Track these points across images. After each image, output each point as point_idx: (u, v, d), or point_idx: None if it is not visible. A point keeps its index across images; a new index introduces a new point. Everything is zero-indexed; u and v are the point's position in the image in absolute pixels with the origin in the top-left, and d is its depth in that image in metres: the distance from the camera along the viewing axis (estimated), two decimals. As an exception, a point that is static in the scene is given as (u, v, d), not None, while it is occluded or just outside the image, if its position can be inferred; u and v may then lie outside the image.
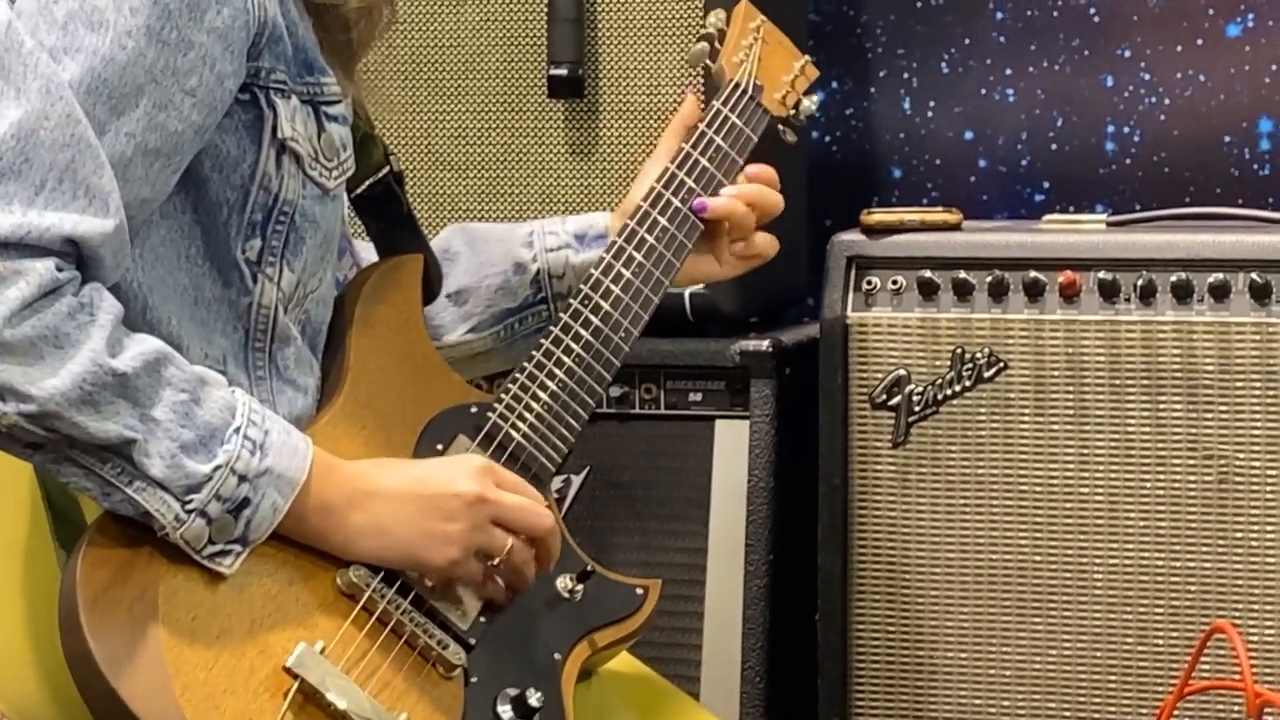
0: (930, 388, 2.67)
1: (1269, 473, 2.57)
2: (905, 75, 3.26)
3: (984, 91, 3.23)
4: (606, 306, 2.11)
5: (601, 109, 2.81)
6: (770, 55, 2.34)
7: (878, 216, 2.73)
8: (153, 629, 1.75)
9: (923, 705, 2.70)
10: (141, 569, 1.77)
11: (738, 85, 2.28)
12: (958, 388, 2.66)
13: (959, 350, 2.66)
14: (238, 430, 1.80)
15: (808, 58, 2.39)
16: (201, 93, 1.81)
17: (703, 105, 2.28)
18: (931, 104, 3.25)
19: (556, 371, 2.06)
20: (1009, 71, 3.21)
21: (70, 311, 1.72)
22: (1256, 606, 2.57)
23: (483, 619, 1.93)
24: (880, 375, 2.69)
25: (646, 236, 2.16)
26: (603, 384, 2.08)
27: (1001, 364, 2.65)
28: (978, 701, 2.68)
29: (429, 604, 1.90)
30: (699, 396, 2.78)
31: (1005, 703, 2.66)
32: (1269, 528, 2.57)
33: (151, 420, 1.76)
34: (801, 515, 2.75)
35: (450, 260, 2.25)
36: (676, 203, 2.18)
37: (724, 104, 2.26)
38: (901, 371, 2.68)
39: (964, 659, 2.68)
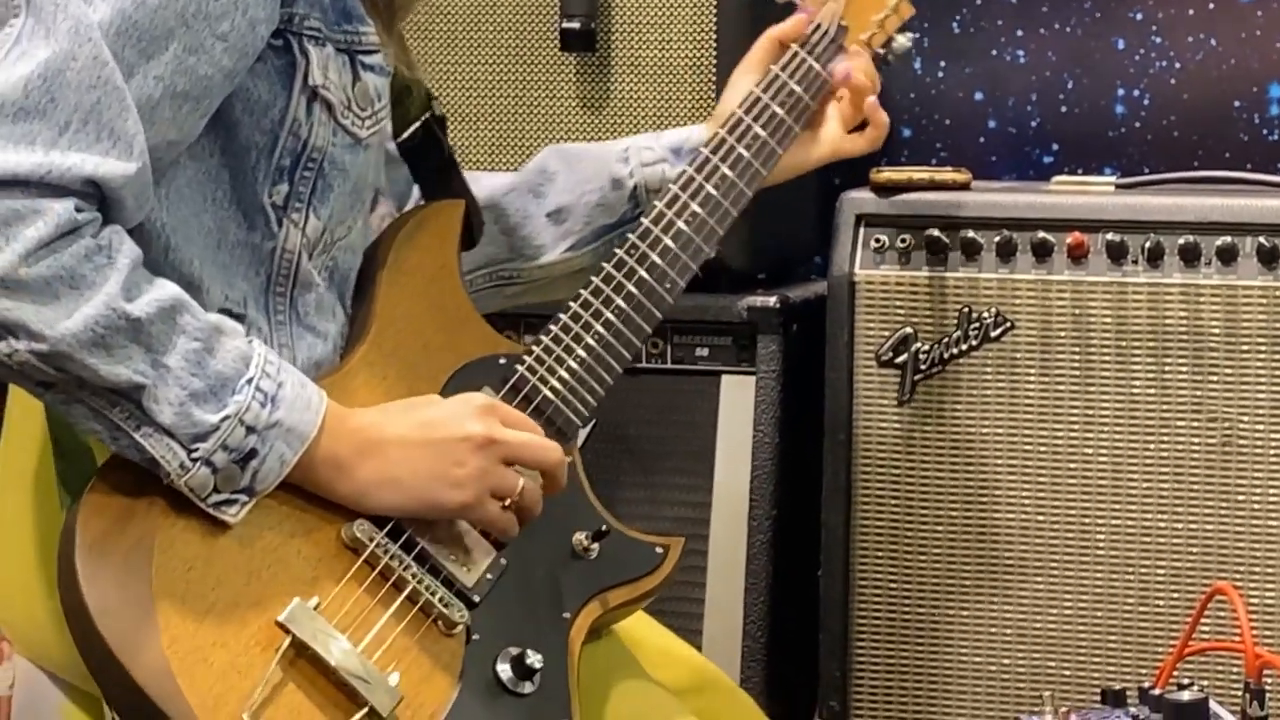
0: (936, 346, 2.67)
1: (1273, 436, 2.57)
2: (917, 35, 3.16)
3: (994, 52, 3.21)
4: (654, 256, 2.11)
5: (613, 63, 2.80)
6: None
7: (887, 175, 2.73)
8: (145, 578, 1.74)
9: (923, 662, 2.70)
10: (141, 517, 1.77)
11: (819, 27, 2.27)
12: (964, 347, 2.67)
13: (966, 309, 2.67)
14: (250, 381, 1.79)
15: None
16: (233, 37, 1.81)
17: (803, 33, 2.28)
18: (942, 64, 3.24)
19: (594, 323, 2.06)
20: (1020, 33, 3.20)
21: (88, 253, 1.72)
22: (1258, 569, 2.58)
23: (489, 575, 1.92)
24: (887, 333, 2.69)
25: (719, 168, 2.17)
26: (642, 335, 2.08)
27: (1008, 324, 2.65)
28: (978, 659, 2.68)
29: (434, 560, 1.89)
30: (705, 352, 2.78)
31: (1006, 661, 2.67)
32: (1272, 491, 2.58)
33: (163, 367, 1.76)
34: (806, 471, 2.76)
35: (548, 179, 2.26)
36: (742, 150, 2.19)
37: (803, 46, 2.25)
38: (908, 329, 2.68)
39: (965, 617, 2.68)
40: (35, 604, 1.90)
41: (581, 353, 2.04)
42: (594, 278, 2.08)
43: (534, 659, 1.89)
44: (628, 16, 2.79)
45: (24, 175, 1.69)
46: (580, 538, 2.01)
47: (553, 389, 2.02)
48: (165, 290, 1.77)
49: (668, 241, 2.13)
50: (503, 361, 2.02)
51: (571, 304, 2.06)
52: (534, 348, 2.03)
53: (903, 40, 2.39)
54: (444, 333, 2.01)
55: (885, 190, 2.72)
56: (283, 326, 1.93)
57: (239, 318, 1.88)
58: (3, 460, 1.96)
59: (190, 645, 1.73)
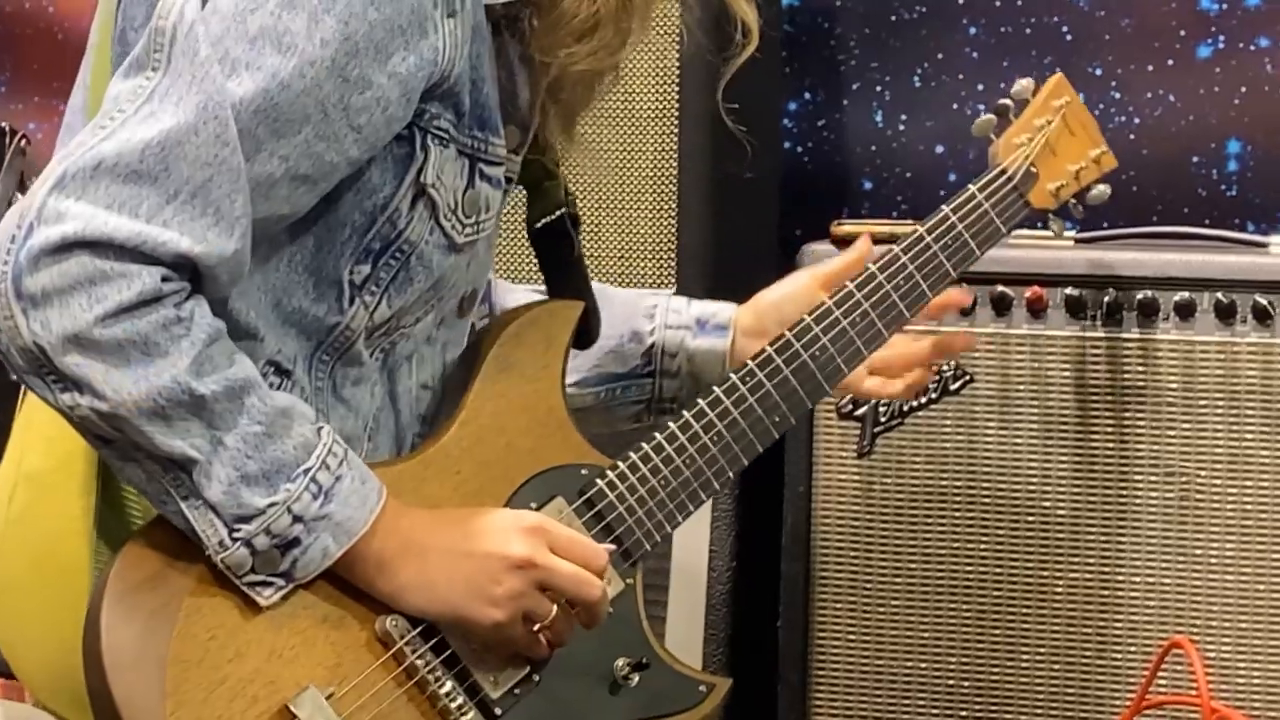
0: (896, 399, 2.64)
1: (1229, 491, 2.58)
2: (878, 88, 3.26)
3: (955, 106, 3.23)
4: (769, 386, 2.06)
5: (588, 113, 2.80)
6: (1062, 140, 2.26)
7: (847, 228, 2.73)
8: (165, 639, 1.74)
9: (882, 713, 2.71)
10: (176, 578, 1.76)
11: (1004, 171, 2.21)
12: (923, 400, 2.66)
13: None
14: (307, 471, 1.78)
15: (1106, 148, 2.31)
16: (367, 131, 1.80)
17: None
18: (903, 117, 3.25)
19: (688, 447, 2.01)
20: (981, 87, 3.22)
21: (166, 323, 1.72)
22: (1214, 623, 2.59)
23: (516, 690, 1.89)
24: None
25: (839, 316, 2.10)
26: (721, 479, 2.03)
27: (967, 377, 2.65)
28: (936, 711, 2.68)
29: (462, 665, 1.87)
30: None
31: (964, 713, 2.68)
32: (1228, 545, 2.59)
33: (220, 444, 1.75)
34: (765, 523, 2.75)
35: None
36: (889, 287, 2.12)
37: (981, 189, 2.19)
38: None
39: (924, 669, 2.69)
40: (52, 647, 1.88)
41: (668, 475, 2.00)
42: (701, 399, 2.03)
43: None
44: None
45: (120, 240, 1.69)
46: (621, 664, 1.96)
47: (628, 508, 1.98)
48: (238, 370, 1.77)
49: (786, 370, 2.07)
50: (584, 472, 1.97)
51: (670, 424, 2.01)
52: (620, 464, 1.98)
53: (1101, 190, 2.30)
54: (530, 435, 1.96)
55: (845, 243, 2.66)
56: (320, 394, 1.91)
57: (286, 373, 1.88)
58: (38, 493, 1.94)
59: (194, 714, 1.73)
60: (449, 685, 1.84)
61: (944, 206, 2.15)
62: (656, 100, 2.80)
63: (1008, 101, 2.25)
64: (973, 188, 2.18)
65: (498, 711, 1.87)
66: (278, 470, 1.77)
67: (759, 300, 2.23)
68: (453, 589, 1.84)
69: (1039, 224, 3.07)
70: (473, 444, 1.92)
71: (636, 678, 1.95)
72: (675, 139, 2.78)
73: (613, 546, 1.94)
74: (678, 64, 2.78)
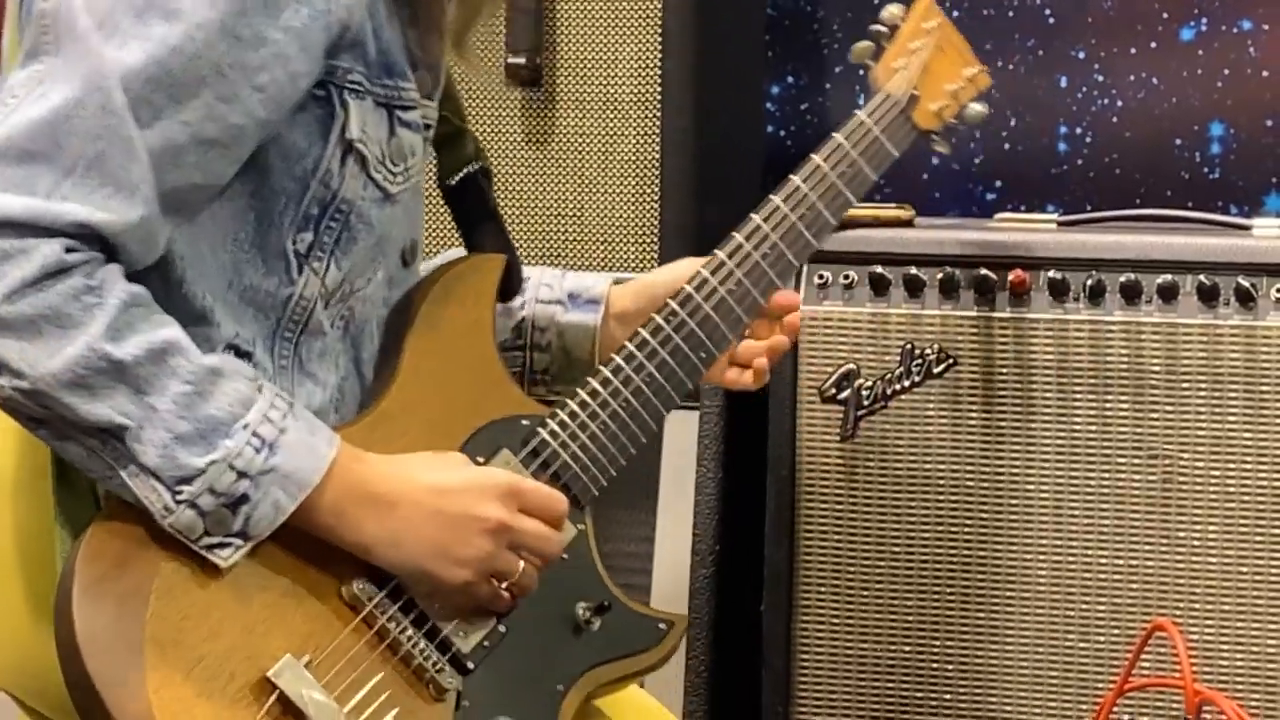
0: (879, 382, 2.68)
1: (1212, 473, 2.58)
2: (861, 71, 3.16)
3: None
4: (684, 333, 2.08)
5: (558, 99, 2.82)
6: (938, 62, 2.30)
7: None
8: (139, 623, 1.74)
9: (866, 697, 2.70)
10: (142, 562, 1.77)
11: (888, 95, 2.25)
12: (906, 383, 2.67)
13: (909, 346, 2.67)
14: (246, 426, 1.79)
15: (982, 67, 2.34)
16: (271, 89, 1.81)
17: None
18: None
19: (623, 390, 2.03)
20: None
21: (75, 293, 1.73)
22: (1197, 605, 2.58)
23: (486, 643, 1.92)
24: (830, 369, 2.69)
25: (749, 249, 2.13)
26: (659, 419, 2.05)
27: (950, 360, 2.66)
28: (920, 694, 2.68)
29: (432, 623, 1.89)
30: None
31: (947, 696, 2.67)
32: (1211, 528, 2.58)
33: (150, 408, 1.76)
34: (749, 507, 2.75)
35: None
36: (792, 216, 2.15)
37: (869, 114, 2.23)
38: (851, 366, 2.69)
39: (908, 653, 2.68)
40: (22, 635, 1.89)
41: (606, 419, 2.02)
42: (628, 343, 2.06)
43: None
44: (573, 52, 2.81)
45: (15, 217, 1.71)
46: (583, 608, 1.99)
47: (572, 455, 2.01)
48: (161, 333, 1.77)
49: (708, 309, 2.10)
50: (525, 423, 2.00)
51: (602, 368, 2.04)
52: (559, 411, 2.01)
53: (977, 109, 2.33)
54: (469, 390, 1.98)
55: None
56: (285, 372, 1.92)
57: (246, 355, 1.88)
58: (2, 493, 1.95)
59: (175, 695, 1.74)
60: (421, 644, 1.87)
61: (835, 135, 2.19)
62: (638, 85, 2.81)
63: (881, 27, 2.29)
64: (860, 114, 2.23)
65: (470, 665, 1.90)
66: (213, 428, 1.77)
67: (639, 278, 2.24)
68: (420, 547, 1.85)
69: (1017, 208, 3.11)
70: (414, 404, 1.94)
71: (598, 620, 1.99)
72: (658, 123, 2.80)
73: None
74: (659, 47, 2.79)
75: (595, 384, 2.03)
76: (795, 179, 2.16)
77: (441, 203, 2.14)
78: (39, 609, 1.86)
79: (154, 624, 1.74)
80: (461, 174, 2.12)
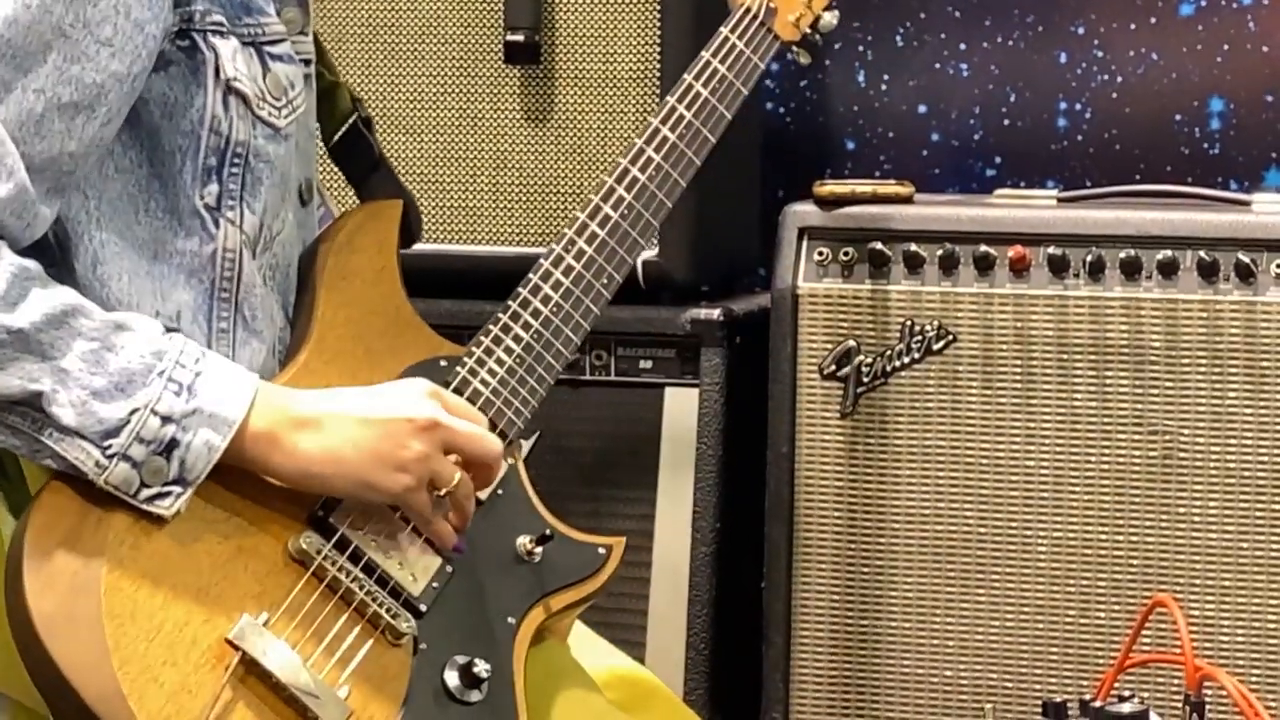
0: (879, 359, 2.68)
1: (1212, 449, 2.59)
2: (860, 48, 3.25)
3: (938, 65, 3.23)
4: (590, 251, 2.10)
5: (557, 75, 2.81)
6: None
7: (830, 188, 2.73)
8: (95, 598, 1.74)
9: (866, 674, 2.71)
10: (89, 537, 1.77)
11: (748, 10, 2.27)
12: (906, 359, 2.67)
13: (908, 322, 2.67)
14: (161, 374, 1.79)
15: None
16: (119, 41, 1.81)
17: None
18: (885, 77, 3.25)
19: (532, 321, 2.05)
20: (963, 46, 3.22)
21: None
22: (1198, 581, 2.59)
23: (435, 584, 1.93)
24: (830, 346, 2.70)
25: (635, 173, 2.15)
26: (573, 344, 2.07)
27: (950, 337, 2.66)
28: (921, 671, 2.68)
29: (381, 570, 1.89)
30: (649, 364, 2.80)
31: (948, 673, 2.68)
32: (1211, 503, 2.59)
33: (61, 371, 1.76)
34: (749, 484, 2.76)
35: None
36: (672, 137, 2.17)
37: (731, 30, 2.25)
38: (851, 342, 2.69)
39: (908, 629, 2.69)
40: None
41: (521, 352, 2.04)
42: (532, 274, 2.08)
43: (481, 667, 1.90)
44: (572, 29, 2.81)
45: None
46: (524, 541, 2.01)
47: (493, 390, 2.02)
48: (56, 297, 1.77)
49: (601, 233, 2.11)
50: (443, 364, 2.02)
51: (510, 303, 2.06)
52: (473, 349, 2.03)
53: (829, 18, 2.37)
54: (385, 336, 2.00)
55: (828, 203, 2.73)
56: (225, 334, 1.92)
57: (173, 331, 1.88)
58: None
59: (140, 666, 1.73)
60: (373, 591, 1.88)
61: (703, 53, 2.22)
62: (637, 64, 2.80)
63: None
64: (724, 30, 2.25)
65: (422, 608, 1.91)
66: (129, 380, 1.78)
67: None
68: (359, 457, 1.85)
69: (1017, 184, 3.10)
70: (334, 356, 1.96)
71: (540, 551, 2.00)
72: (657, 100, 2.78)
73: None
74: (659, 26, 2.79)
75: (505, 317, 2.04)
76: (671, 100, 2.18)
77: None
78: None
79: (109, 598, 1.74)
80: (343, 129, 2.13)
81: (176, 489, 1.80)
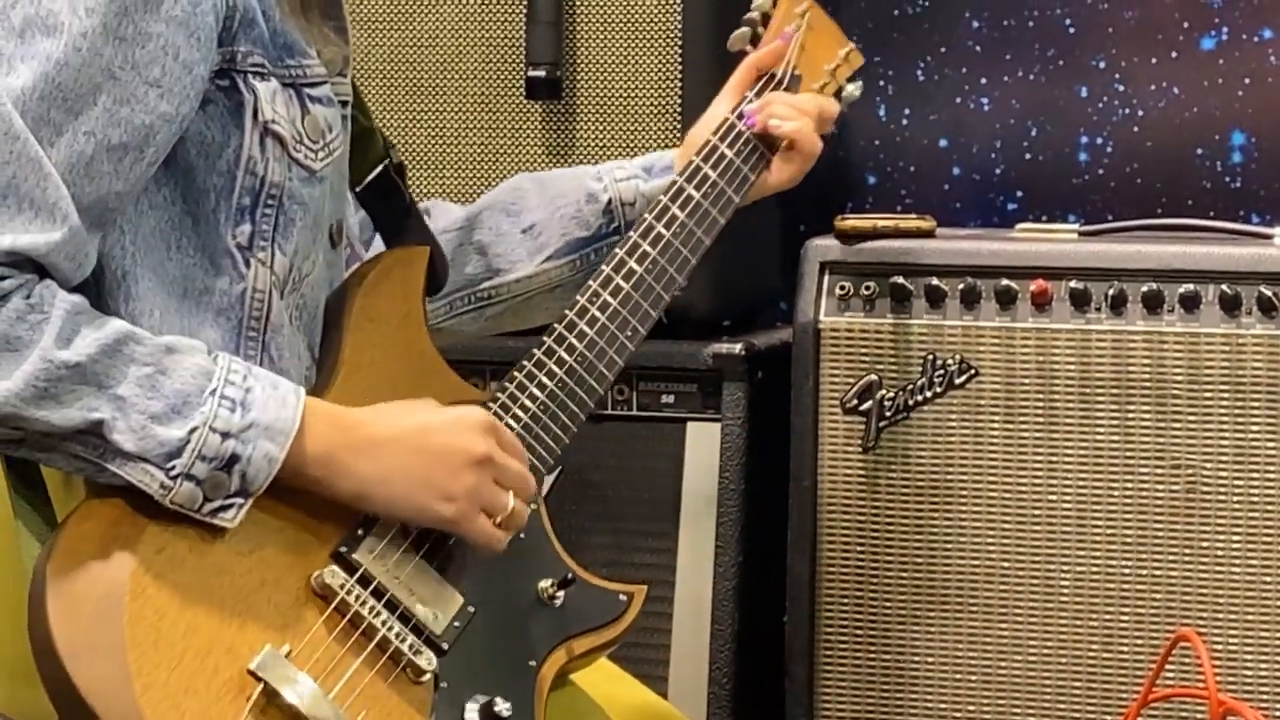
0: (901, 393, 2.68)
1: (1235, 483, 2.59)
2: (881, 82, 3.25)
3: (959, 100, 3.23)
4: (615, 303, 2.12)
5: (578, 111, 2.83)
6: (814, 43, 2.35)
7: (851, 222, 2.74)
8: (118, 625, 1.75)
9: (889, 709, 2.71)
10: (114, 564, 1.78)
11: (773, 76, 2.30)
12: (928, 394, 2.68)
13: (930, 356, 2.68)
14: (214, 392, 1.81)
15: (853, 45, 2.40)
16: (167, 82, 1.83)
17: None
18: (907, 111, 3.25)
19: (556, 369, 2.06)
20: (984, 80, 3.22)
21: (19, 315, 1.76)
22: (1221, 615, 2.59)
23: (457, 623, 1.94)
24: (852, 380, 2.70)
25: (694, 193, 2.19)
26: (607, 377, 2.09)
27: (972, 371, 2.66)
28: (944, 706, 2.68)
29: (403, 607, 1.90)
30: (671, 398, 2.80)
31: (971, 707, 2.68)
32: (1234, 537, 2.59)
33: (119, 399, 1.78)
34: (771, 518, 2.76)
35: (521, 197, 2.28)
36: (698, 196, 2.19)
37: (757, 96, 2.28)
38: (873, 377, 2.69)
39: (931, 664, 2.69)
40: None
41: (544, 398, 2.05)
42: (568, 310, 2.09)
43: (502, 707, 1.91)
44: (593, 64, 2.82)
45: None
46: (546, 585, 2.02)
47: (524, 427, 2.03)
48: (107, 329, 1.80)
49: (638, 269, 2.14)
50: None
51: (535, 350, 2.07)
52: (499, 394, 2.04)
53: (852, 89, 2.41)
54: (411, 381, 2.01)
55: (850, 237, 2.73)
56: None
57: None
58: None
59: (162, 693, 1.74)
60: (396, 627, 1.89)
61: (729, 115, 2.25)
62: (658, 99, 2.82)
63: (754, 14, 2.33)
64: (750, 94, 2.28)
65: (444, 646, 1.92)
66: (184, 401, 1.80)
67: (692, 138, 2.30)
68: (410, 482, 1.88)
69: (1038, 218, 3.09)
70: (359, 396, 1.96)
71: (562, 595, 2.01)
72: (678, 133, 2.79)
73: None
74: (680, 61, 2.80)
75: (530, 364, 2.06)
76: (699, 161, 2.22)
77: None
78: (8, 617, 1.87)
79: (132, 626, 1.75)
80: (373, 174, 2.14)
81: (239, 500, 1.82)
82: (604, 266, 2.13)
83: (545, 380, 2.06)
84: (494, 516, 1.92)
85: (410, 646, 1.89)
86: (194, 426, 1.79)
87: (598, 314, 2.10)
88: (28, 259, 1.77)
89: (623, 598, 2.08)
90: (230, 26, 1.87)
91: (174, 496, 1.80)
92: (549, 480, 2.77)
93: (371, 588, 1.89)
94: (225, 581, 1.82)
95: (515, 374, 2.06)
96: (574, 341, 2.08)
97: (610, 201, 2.28)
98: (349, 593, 1.87)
